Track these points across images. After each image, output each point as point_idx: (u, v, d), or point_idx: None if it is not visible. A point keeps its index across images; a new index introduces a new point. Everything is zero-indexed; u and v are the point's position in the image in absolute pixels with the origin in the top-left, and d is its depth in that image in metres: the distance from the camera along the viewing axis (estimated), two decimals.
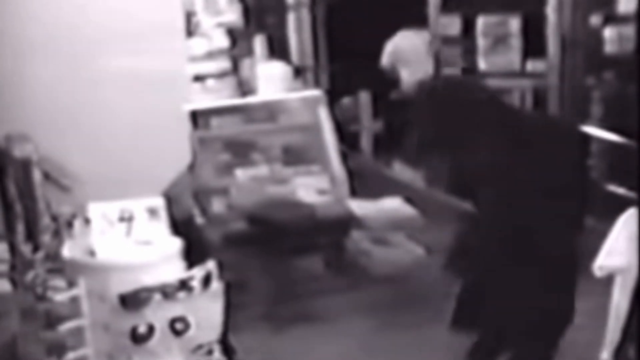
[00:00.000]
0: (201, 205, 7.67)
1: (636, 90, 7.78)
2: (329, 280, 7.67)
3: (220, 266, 5.41)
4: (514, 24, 9.01)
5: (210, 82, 8.82)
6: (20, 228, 6.53)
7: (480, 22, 8.98)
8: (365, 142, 10.11)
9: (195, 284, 5.32)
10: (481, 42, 8.99)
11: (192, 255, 5.57)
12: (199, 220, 7.61)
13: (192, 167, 7.84)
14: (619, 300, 5.08)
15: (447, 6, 8.96)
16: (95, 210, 5.63)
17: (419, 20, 9.05)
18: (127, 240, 5.52)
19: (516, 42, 9.02)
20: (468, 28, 9.04)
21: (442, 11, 8.93)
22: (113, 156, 7.46)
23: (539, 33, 8.94)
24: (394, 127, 10.01)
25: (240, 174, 7.94)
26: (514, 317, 5.60)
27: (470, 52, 9.02)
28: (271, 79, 8.80)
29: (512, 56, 9.03)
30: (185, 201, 7.53)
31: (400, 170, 8.92)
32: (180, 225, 6.02)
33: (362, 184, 8.26)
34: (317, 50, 9.43)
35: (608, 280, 5.19)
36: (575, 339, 6.32)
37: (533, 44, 9.01)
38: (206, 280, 5.36)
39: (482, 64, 9.03)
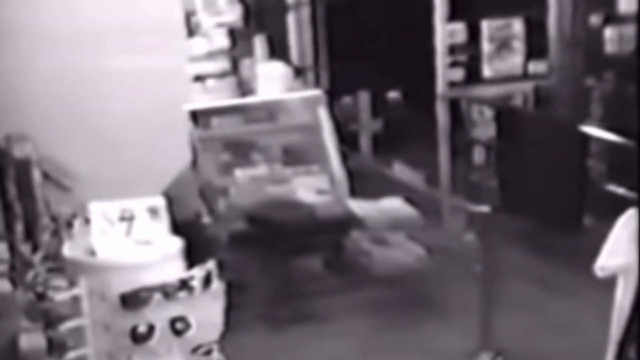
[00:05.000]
0: (208, 204, 7.66)
1: (636, 90, 7.78)
2: (329, 280, 7.66)
3: (221, 266, 5.41)
4: (517, 26, 8.99)
5: (210, 82, 8.81)
6: (19, 228, 6.53)
7: (485, 26, 8.95)
8: (365, 142, 10.10)
9: (196, 283, 5.33)
10: (486, 47, 8.95)
11: (198, 255, 5.58)
12: (206, 219, 7.60)
13: (195, 166, 7.82)
14: (622, 301, 5.08)
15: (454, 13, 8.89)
16: (95, 209, 5.63)
17: (420, 23, 9.07)
18: (128, 240, 5.52)
19: (519, 45, 9.00)
20: (474, 34, 9.00)
21: (448, 19, 8.87)
22: (113, 156, 7.45)
23: (540, 34, 8.93)
24: (394, 127, 10.02)
25: (240, 174, 7.93)
26: None
27: (476, 58, 8.98)
28: (271, 79, 8.79)
29: (515, 59, 9.01)
30: (189, 200, 7.51)
31: (400, 170, 8.91)
32: (184, 225, 6.02)
33: (362, 184, 8.26)
34: (317, 50, 9.41)
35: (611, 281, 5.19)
36: (579, 340, 6.35)
37: (535, 46, 8.99)
38: (206, 280, 5.36)
39: (487, 70, 9.00)
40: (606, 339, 5.19)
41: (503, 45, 9.01)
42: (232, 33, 8.91)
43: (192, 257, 5.61)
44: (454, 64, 8.90)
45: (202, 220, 7.60)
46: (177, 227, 5.83)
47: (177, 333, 5.30)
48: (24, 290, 5.76)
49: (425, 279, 7.66)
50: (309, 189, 7.95)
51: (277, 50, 9.07)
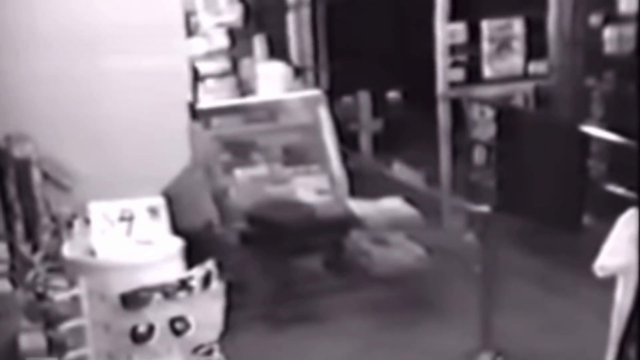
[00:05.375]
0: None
1: (636, 90, 7.78)
2: (328, 280, 7.66)
3: (221, 266, 5.41)
4: (517, 26, 8.99)
5: (210, 82, 8.81)
6: (19, 228, 6.53)
7: (485, 26, 8.95)
8: (365, 142, 10.11)
9: (195, 283, 5.32)
10: (487, 47, 8.95)
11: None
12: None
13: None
14: (622, 301, 5.07)
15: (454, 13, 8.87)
16: (95, 210, 5.63)
17: (420, 23, 9.06)
18: (128, 240, 5.52)
19: (519, 45, 9.01)
20: (474, 34, 8.99)
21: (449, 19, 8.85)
22: (113, 156, 7.46)
23: (540, 34, 8.93)
24: (394, 127, 10.02)
25: (240, 174, 7.93)
26: None
27: (476, 58, 8.98)
28: (271, 79, 8.79)
29: (515, 59, 9.01)
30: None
31: (400, 170, 8.91)
32: (194, 228, 6.00)
33: (361, 184, 8.26)
34: (317, 50, 9.42)
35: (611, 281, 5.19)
36: (579, 340, 6.35)
37: (535, 46, 9.00)
38: (206, 280, 5.36)
39: (487, 70, 9.00)
40: (606, 339, 5.19)
41: (503, 45, 9.01)
42: (232, 33, 8.91)
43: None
44: (454, 64, 8.90)
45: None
46: (186, 231, 5.83)
47: (177, 333, 5.30)
48: (24, 290, 5.75)
49: (425, 279, 7.66)
50: (309, 189, 7.95)
51: (277, 50, 9.07)
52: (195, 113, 7.98)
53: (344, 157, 8.28)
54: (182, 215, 6.26)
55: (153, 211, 5.61)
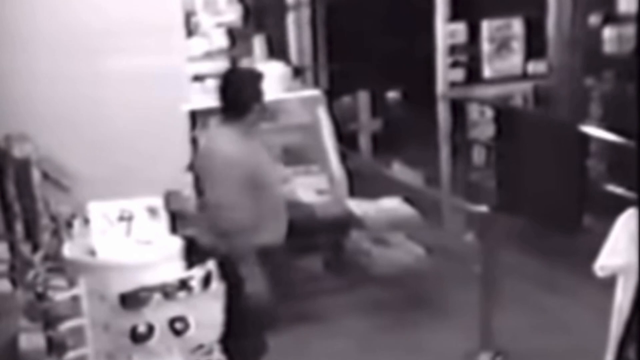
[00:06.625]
0: None
1: (636, 90, 7.78)
2: (328, 280, 7.66)
3: (222, 266, 5.41)
4: (517, 26, 9.00)
5: (209, 82, 8.80)
6: (19, 228, 6.53)
7: (485, 26, 8.96)
8: (364, 142, 10.11)
9: (195, 283, 5.32)
10: (486, 47, 8.96)
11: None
12: None
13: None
14: (622, 301, 5.07)
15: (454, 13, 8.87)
16: (95, 209, 5.61)
17: (420, 22, 9.07)
18: (127, 240, 5.52)
19: (518, 45, 9.01)
20: (474, 34, 9.00)
21: (449, 19, 8.85)
22: (113, 156, 7.46)
23: (540, 35, 8.94)
24: (393, 127, 10.03)
25: None
26: None
27: (476, 58, 8.99)
28: (270, 79, 8.77)
29: (515, 59, 9.02)
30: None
31: (400, 170, 8.91)
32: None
33: (361, 184, 8.27)
34: (317, 50, 9.41)
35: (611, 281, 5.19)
36: (579, 340, 6.35)
37: (534, 46, 9.01)
38: (206, 280, 5.36)
39: (487, 70, 9.00)
40: (606, 339, 5.19)
41: (503, 45, 9.01)
42: (232, 33, 8.91)
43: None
44: (454, 64, 8.91)
45: None
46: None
47: (177, 333, 5.30)
48: (24, 290, 5.75)
49: (425, 279, 7.67)
50: (309, 189, 7.95)
51: (277, 50, 9.07)
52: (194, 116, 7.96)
53: (344, 157, 8.28)
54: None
55: (152, 211, 5.59)
